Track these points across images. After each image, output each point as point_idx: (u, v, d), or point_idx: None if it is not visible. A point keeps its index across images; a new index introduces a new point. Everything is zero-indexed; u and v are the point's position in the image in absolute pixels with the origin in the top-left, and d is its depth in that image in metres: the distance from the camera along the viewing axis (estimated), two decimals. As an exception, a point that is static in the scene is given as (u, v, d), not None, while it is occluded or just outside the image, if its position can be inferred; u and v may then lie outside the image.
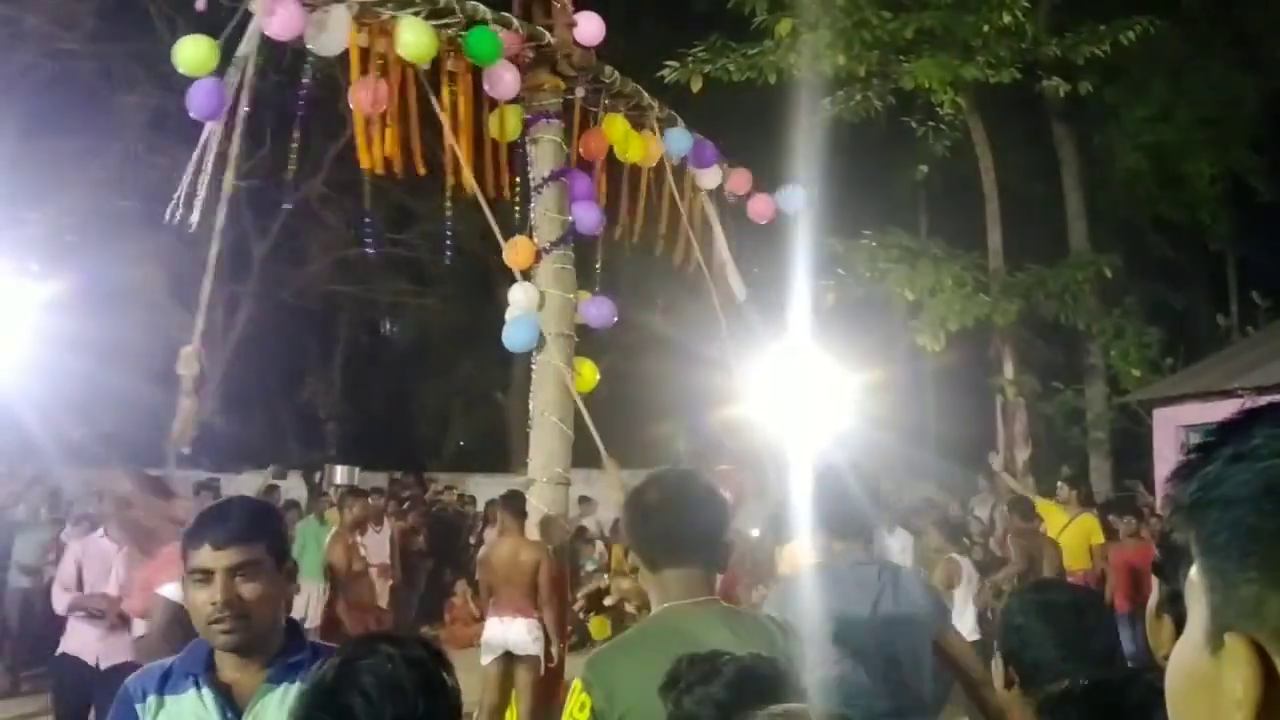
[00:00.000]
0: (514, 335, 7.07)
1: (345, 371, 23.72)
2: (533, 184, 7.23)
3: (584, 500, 14.49)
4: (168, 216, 5.97)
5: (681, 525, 2.43)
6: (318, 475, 17.18)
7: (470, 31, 6.44)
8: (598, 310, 7.49)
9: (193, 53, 5.80)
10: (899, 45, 14.20)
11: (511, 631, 7.07)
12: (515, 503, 7.18)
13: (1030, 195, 18.03)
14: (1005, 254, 16.49)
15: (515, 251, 7.19)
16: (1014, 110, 17.04)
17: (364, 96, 6.18)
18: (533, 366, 7.23)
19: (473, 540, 13.67)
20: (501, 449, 22.61)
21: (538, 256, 7.15)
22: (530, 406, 7.26)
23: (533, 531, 7.07)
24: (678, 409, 18.17)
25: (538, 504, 7.05)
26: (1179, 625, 0.89)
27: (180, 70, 5.85)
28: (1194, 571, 0.82)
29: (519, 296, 7.08)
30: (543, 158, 7.22)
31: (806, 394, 8.13)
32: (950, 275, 14.94)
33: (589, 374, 7.46)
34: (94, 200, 16.88)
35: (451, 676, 1.75)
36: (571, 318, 7.26)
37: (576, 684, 2.33)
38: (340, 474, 15.23)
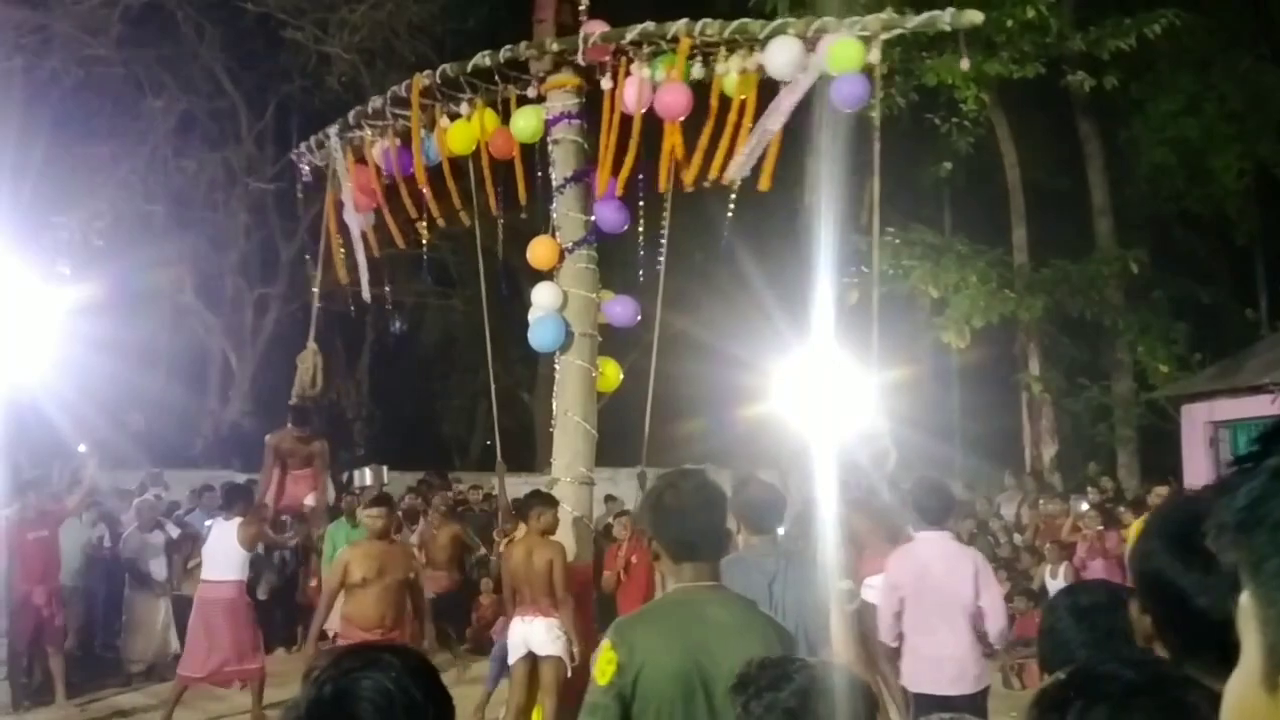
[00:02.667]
0: (539, 335, 7.10)
1: (372, 372, 23.84)
2: (555, 185, 7.27)
3: (610, 499, 14.51)
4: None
5: (698, 527, 2.92)
6: (345, 475, 17.28)
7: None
8: (621, 309, 7.52)
9: (844, 53, 6.51)
10: (921, 42, 14.16)
11: (533, 631, 7.08)
12: (529, 502, 7.20)
13: (1055, 191, 17.92)
14: (1030, 250, 16.41)
15: (538, 251, 7.25)
16: (1038, 106, 16.95)
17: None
18: (556, 367, 7.26)
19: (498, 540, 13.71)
20: (528, 448, 22.67)
21: (561, 256, 7.19)
22: (554, 406, 7.29)
23: (564, 531, 7.08)
24: (702, 408, 18.19)
25: (562, 504, 7.07)
26: None
27: (830, 68, 6.50)
28: (1245, 597, 0.75)
29: (542, 297, 7.12)
30: (564, 158, 7.26)
31: (830, 392, 8.10)
32: (975, 272, 14.89)
33: (612, 374, 7.49)
34: (122, 204, 17.05)
35: (444, 687, 1.73)
36: (595, 317, 7.28)
37: (605, 643, 2.83)
38: (369, 474, 15.29)
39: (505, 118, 7.46)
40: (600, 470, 7.76)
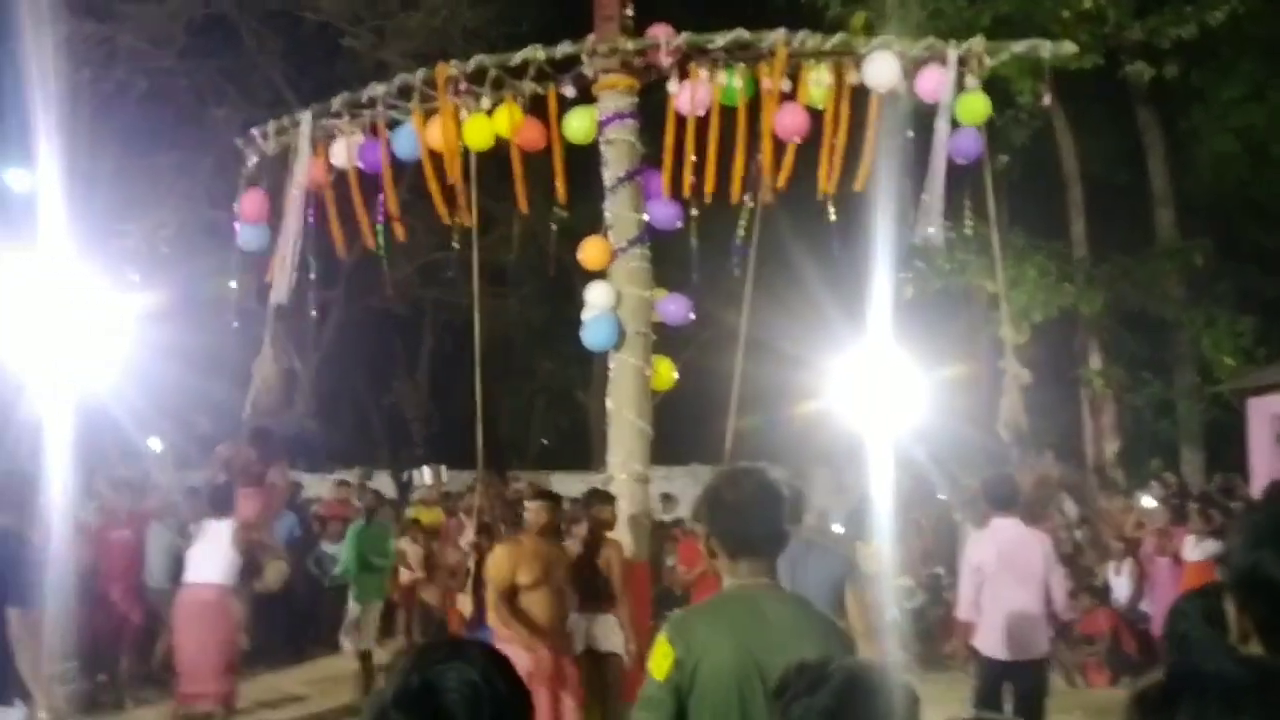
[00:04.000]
0: (593, 334, 7.16)
1: (431, 373, 24.10)
2: (607, 184, 7.32)
3: (666, 498, 14.56)
4: None
5: (754, 525, 2.89)
6: (405, 475, 17.50)
7: None
8: (675, 307, 7.56)
9: (974, 106, 7.07)
10: (975, 35, 14.03)
11: (594, 627, 7.15)
12: (588, 500, 7.26)
13: (1114, 183, 17.63)
14: (1089, 243, 16.17)
15: (589, 252, 7.31)
16: (1096, 96, 16.68)
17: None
18: (610, 366, 7.31)
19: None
20: (583, 446, 22.80)
21: (613, 256, 7.24)
22: (607, 405, 7.34)
23: (620, 529, 7.13)
24: (757, 405, 18.13)
25: (618, 501, 7.12)
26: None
27: (960, 118, 7.02)
28: None
29: (596, 296, 7.18)
30: (617, 158, 7.31)
31: (886, 389, 8.09)
32: (1033, 265, 14.71)
33: (666, 372, 7.52)
34: (187, 212, 17.41)
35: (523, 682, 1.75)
36: (648, 316, 7.33)
37: (661, 638, 2.80)
38: (427, 473, 15.49)
39: (533, 115, 7.53)
40: (656, 469, 7.80)
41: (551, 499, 6.94)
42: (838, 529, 11.51)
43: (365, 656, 9.67)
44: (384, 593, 10.74)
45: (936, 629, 10.71)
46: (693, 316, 7.71)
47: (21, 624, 4.73)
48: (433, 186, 7.72)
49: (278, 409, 9.22)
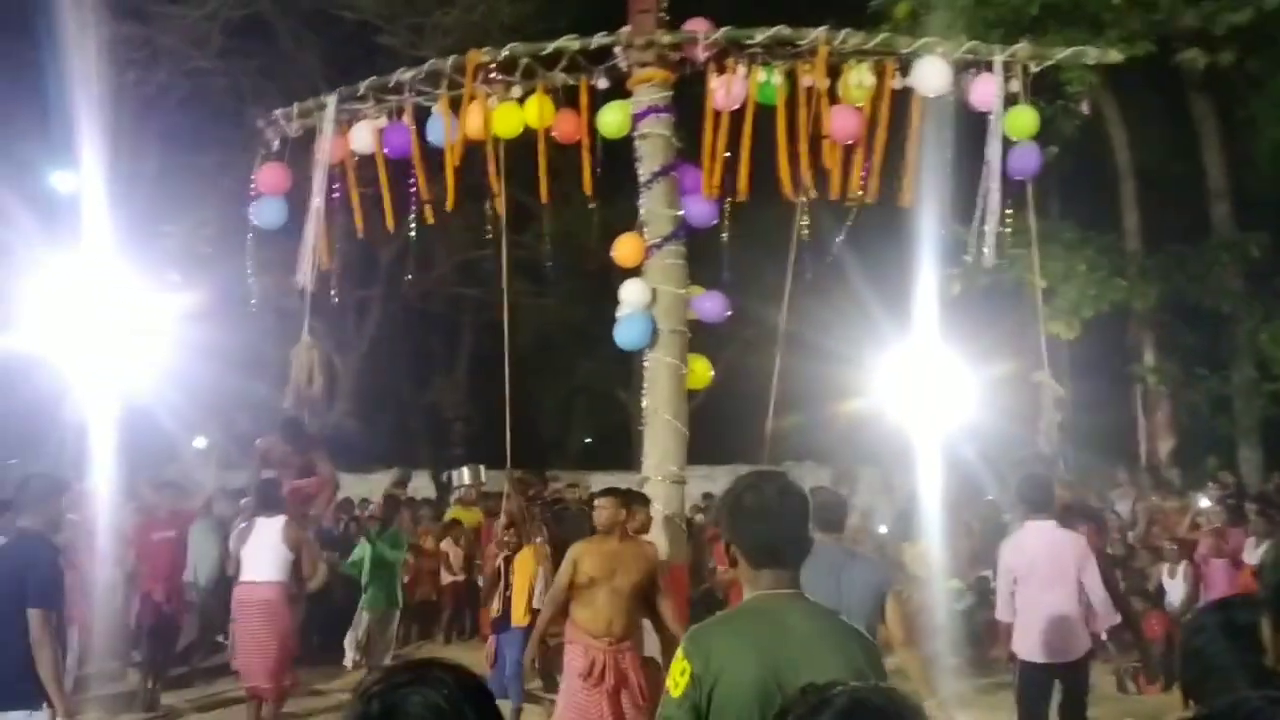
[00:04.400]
0: (626, 332, 7.04)
1: (470, 372, 24.10)
2: (641, 180, 7.18)
3: (708, 497, 14.39)
4: None
5: (778, 533, 2.77)
6: (444, 475, 17.45)
7: None
8: (711, 305, 7.41)
9: (1022, 120, 7.16)
10: (1023, 23, 13.73)
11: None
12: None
13: (1168, 174, 17.24)
14: (1143, 236, 15.82)
15: (623, 249, 7.18)
16: (1149, 85, 16.30)
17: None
18: (644, 364, 7.17)
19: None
20: (624, 446, 22.70)
21: (647, 253, 7.11)
22: (643, 405, 7.21)
23: (655, 530, 6.98)
24: (802, 404, 17.94)
25: (654, 502, 6.97)
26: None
27: (1009, 132, 7.14)
28: None
29: (630, 294, 7.05)
30: (652, 153, 7.17)
31: (933, 387, 7.91)
32: (1083, 259, 14.40)
33: (702, 370, 7.37)
34: (228, 212, 17.50)
35: (496, 707, 1.67)
36: (684, 313, 7.19)
37: (679, 652, 2.72)
38: (466, 473, 15.43)
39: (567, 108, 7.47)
40: (697, 468, 7.65)
41: (619, 495, 6.64)
42: (882, 529, 11.29)
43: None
44: (395, 603, 10.66)
45: (984, 632, 10.47)
46: (729, 314, 7.55)
47: (41, 626, 4.75)
48: (449, 175, 7.63)
49: (321, 399, 9.15)
